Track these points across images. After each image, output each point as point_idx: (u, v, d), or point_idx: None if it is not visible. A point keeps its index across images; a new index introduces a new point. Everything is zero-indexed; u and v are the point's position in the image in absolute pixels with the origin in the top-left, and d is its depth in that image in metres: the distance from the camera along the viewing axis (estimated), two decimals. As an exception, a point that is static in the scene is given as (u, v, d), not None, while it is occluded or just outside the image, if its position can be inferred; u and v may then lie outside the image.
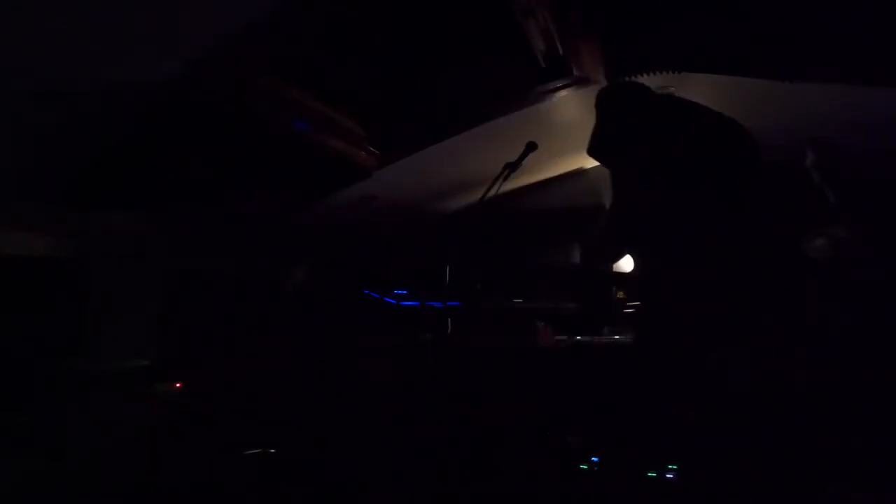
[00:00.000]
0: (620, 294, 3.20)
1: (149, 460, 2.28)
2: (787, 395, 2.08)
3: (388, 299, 2.98)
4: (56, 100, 1.68)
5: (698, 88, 2.26)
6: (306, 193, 3.04)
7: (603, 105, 1.74)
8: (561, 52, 2.13)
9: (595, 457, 2.40)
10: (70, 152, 2.04)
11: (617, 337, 2.82)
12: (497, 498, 2.32)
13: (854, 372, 1.96)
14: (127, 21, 1.46)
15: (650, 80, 2.26)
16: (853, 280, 2.08)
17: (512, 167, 2.16)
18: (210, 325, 3.42)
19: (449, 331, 2.80)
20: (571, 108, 2.70)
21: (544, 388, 2.69)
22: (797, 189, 2.12)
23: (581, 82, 2.37)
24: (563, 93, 2.45)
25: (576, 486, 2.37)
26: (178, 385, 2.72)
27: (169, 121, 1.98)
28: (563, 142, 3.18)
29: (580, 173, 3.76)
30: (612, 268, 3.09)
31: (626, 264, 3.15)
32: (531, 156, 2.17)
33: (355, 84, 2.29)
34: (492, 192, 2.13)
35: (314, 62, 2.09)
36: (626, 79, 2.11)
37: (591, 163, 3.75)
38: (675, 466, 2.26)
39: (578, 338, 2.87)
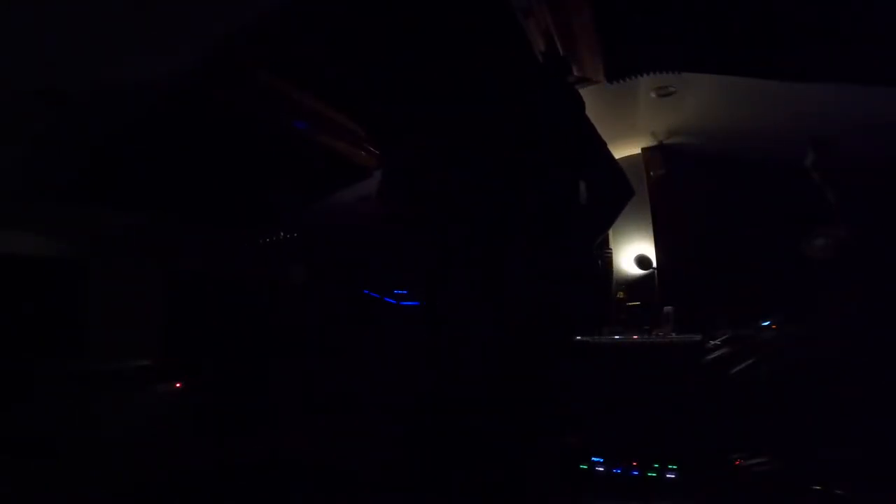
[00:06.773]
0: (620, 294, 3.19)
1: (149, 460, 2.28)
2: (788, 394, 2.08)
3: (388, 299, 2.98)
4: (57, 100, 1.69)
5: (698, 88, 2.26)
6: (306, 193, 3.04)
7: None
8: (561, 52, 2.13)
9: (595, 457, 2.39)
10: (70, 152, 2.04)
11: (617, 337, 2.81)
12: (497, 498, 2.32)
13: (854, 371, 1.95)
14: (128, 22, 1.46)
15: (650, 81, 2.27)
16: (853, 280, 2.08)
17: (512, 167, 2.15)
18: (210, 326, 3.42)
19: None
20: (571, 108, 2.69)
21: (544, 388, 2.68)
22: (797, 189, 2.12)
23: (581, 82, 2.37)
24: (563, 93, 2.45)
25: (576, 486, 2.37)
26: (178, 385, 2.72)
27: (169, 121, 1.98)
28: (563, 142, 3.17)
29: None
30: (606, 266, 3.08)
31: (626, 265, 3.15)
32: (531, 156, 2.17)
33: (355, 84, 2.29)
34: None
35: (314, 62, 2.09)
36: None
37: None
38: (675, 466, 2.27)
39: (579, 338, 2.87)
